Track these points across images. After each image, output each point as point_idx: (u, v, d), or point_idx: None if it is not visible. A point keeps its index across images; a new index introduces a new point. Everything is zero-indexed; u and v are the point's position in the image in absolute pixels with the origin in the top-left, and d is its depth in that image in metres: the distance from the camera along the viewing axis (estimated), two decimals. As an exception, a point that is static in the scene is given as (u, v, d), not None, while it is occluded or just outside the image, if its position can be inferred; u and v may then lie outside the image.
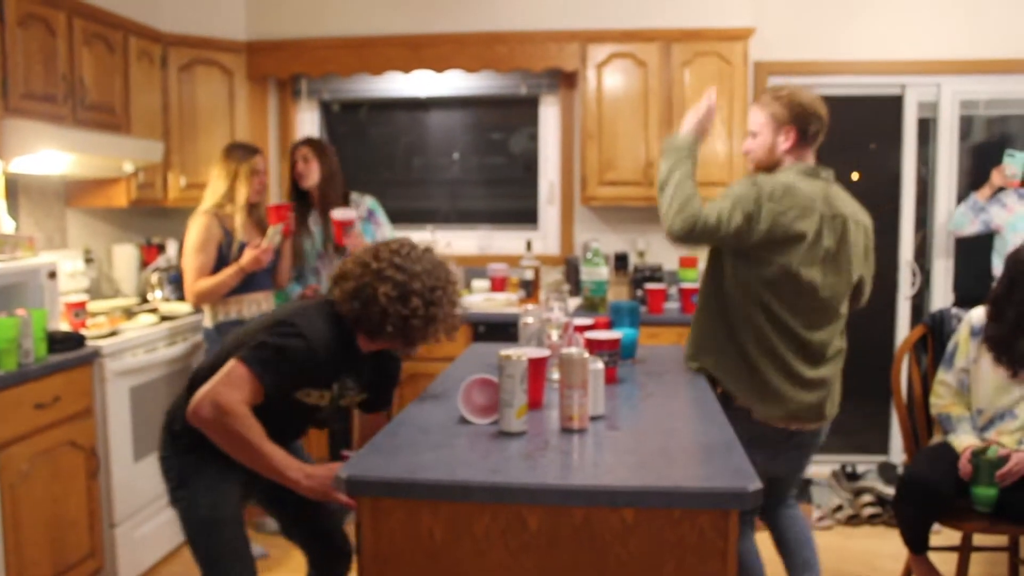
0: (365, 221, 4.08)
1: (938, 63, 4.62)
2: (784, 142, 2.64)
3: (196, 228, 3.69)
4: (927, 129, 4.78)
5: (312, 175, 4.00)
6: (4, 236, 3.42)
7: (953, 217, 4.42)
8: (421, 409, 2.29)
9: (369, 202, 4.15)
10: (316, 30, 4.67)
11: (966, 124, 4.86)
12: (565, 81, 4.83)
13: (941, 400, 3.15)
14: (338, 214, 3.80)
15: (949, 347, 3.19)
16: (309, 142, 4.07)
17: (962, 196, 4.68)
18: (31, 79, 3.43)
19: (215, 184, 3.77)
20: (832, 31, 4.63)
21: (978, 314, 3.13)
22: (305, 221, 4.08)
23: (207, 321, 3.76)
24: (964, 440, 2.99)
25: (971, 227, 4.31)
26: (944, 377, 3.16)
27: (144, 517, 3.64)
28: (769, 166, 2.67)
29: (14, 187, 3.79)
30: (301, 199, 4.08)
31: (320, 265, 4.08)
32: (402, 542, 1.72)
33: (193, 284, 3.67)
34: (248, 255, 3.64)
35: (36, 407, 3.01)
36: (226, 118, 4.62)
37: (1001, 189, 4.26)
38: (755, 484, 1.65)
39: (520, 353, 2.03)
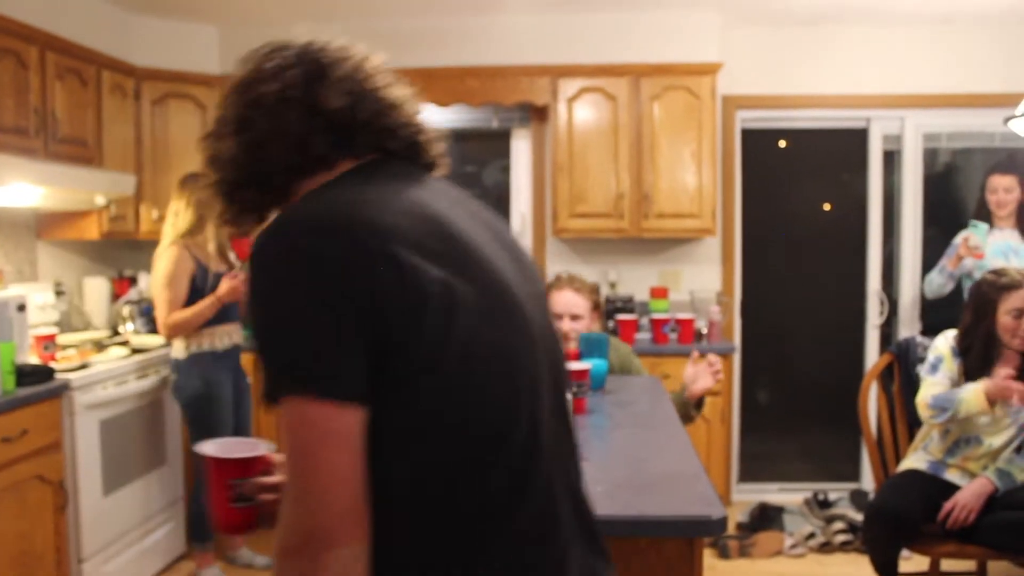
0: None
1: (902, 97, 4.73)
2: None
3: (165, 260, 3.68)
4: (892, 160, 4.88)
5: None
6: (-27, 269, 3.41)
7: (929, 286, 4.41)
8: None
9: None
10: (289, 64, 4.69)
11: (930, 155, 4.96)
12: (536, 114, 4.89)
13: (929, 393, 3.09)
14: None
15: (930, 358, 3.17)
16: None
17: (928, 224, 4.78)
18: (2, 112, 3.44)
19: (180, 216, 3.75)
20: (799, 66, 4.73)
21: (951, 336, 3.17)
22: None
23: (178, 353, 3.73)
24: (971, 392, 2.96)
25: (948, 288, 4.33)
26: (932, 379, 3.12)
27: (113, 552, 3.60)
28: None
29: (-16, 220, 3.78)
30: None
31: None
32: None
33: (167, 317, 3.65)
34: (226, 285, 3.63)
35: (3, 441, 2.99)
36: (199, 151, 4.61)
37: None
38: (719, 512, 1.67)
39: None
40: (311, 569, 0.98)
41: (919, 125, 4.82)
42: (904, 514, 2.94)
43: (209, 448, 1.34)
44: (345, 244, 1.02)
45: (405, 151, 1.24)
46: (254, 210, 1.25)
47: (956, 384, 3.09)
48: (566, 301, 3.20)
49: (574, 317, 3.19)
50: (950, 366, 3.13)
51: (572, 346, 3.12)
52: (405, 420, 1.03)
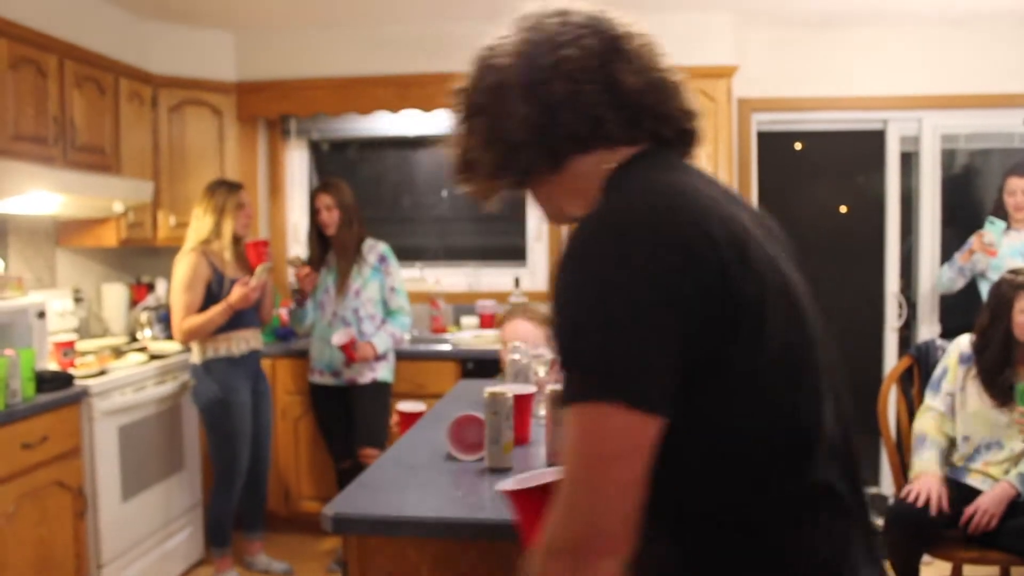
0: (375, 269, 4.10)
1: (919, 98, 4.69)
2: None
3: (183, 266, 3.72)
4: (910, 162, 4.85)
5: (334, 224, 4.05)
6: (-7, 277, 3.43)
7: (939, 280, 4.46)
8: (409, 446, 2.30)
9: (383, 248, 4.17)
10: (305, 71, 4.73)
11: (948, 157, 4.93)
12: (552, 119, 4.88)
13: (924, 422, 3.17)
14: (336, 339, 3.90)
15: (937, 372, 3.21)
16: (328, 188, 4.09)
17: (946, 226, 4.75)
18: (22, 121, 3.47)
19: (200, 222, 3.80)
20: (815, 68, 4.71)
21: (965, 341, 3.16)
22: (324, 259, 4.13)
23: (195, 358, 3.78)
24: (921, 465, 3.05)
25: (959, 284, 4.35)
26: (931, 403, 3.19)
27: (132, 558, 3.61)
28: None
29: (4, 227, 3.81)
30: (323, 240, 4.14)
31: (325, 300, 4.09)
32: (389, 580, 1.73)
33: (181, 322, 3.69)
34: (237, 292, 3.66)
35: (23, 447, 3.01)
36: (216, 158, 4.65)
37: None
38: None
39: (506, 390, 2.04)
40: (577, 573, 0.96)
41: (936, 126, 4.78)
42: (925, 519, 2.92)
43: (509, 484, 1.34)
44: (679, 250, 0.98)
45: (676, 138, 1.22)
46: (524, 172, 1.21)
47: (953, 396, 3.13)
48: (517, 332, 3.17)
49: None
50: (952, 378, 3.14)
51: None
52: (702, 429, 1.02)
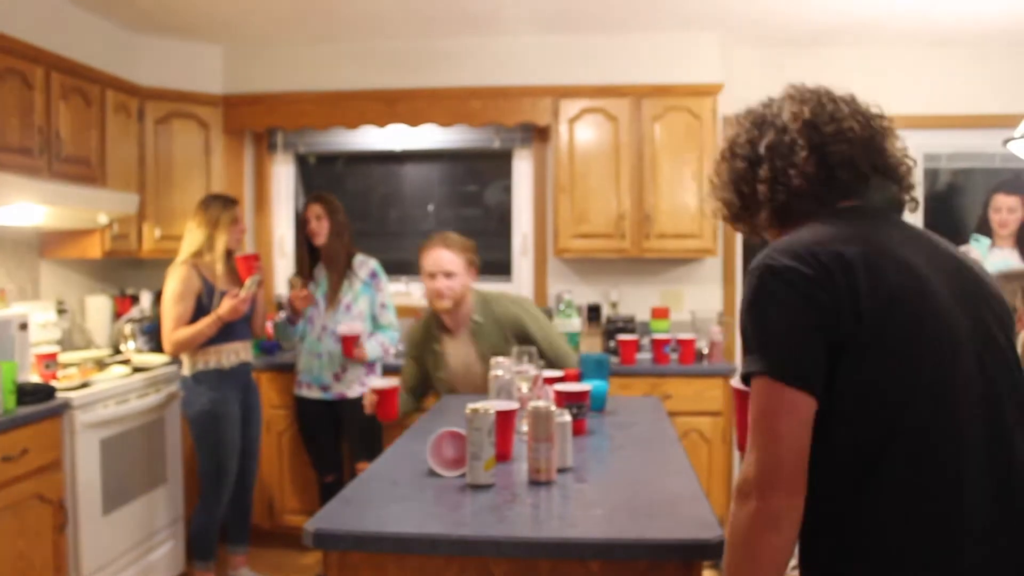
0: (366, 284, 4.12)
1: (902, 118, 4.61)
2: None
3: (175, 279, 3.72)
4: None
5: (323, 234, 4.07)
6: (-24, 288, 3.41)
7: None
8: (391, 461, 2.30)
9: (374, 264, 4.18)
10: (292, 84, 4.74)
11: (930, 176, 4.97)
12: (538, 135, 4.91)
13: None
14: (344, 328, 3.94)
15: None
16: (321, 200, 4.13)
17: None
18: (7, 132, 3.46)
19: (193, 235, 3.81)
20: (798, 87, 4.74)
21: None
22: (312, 273, 4.16)
23: (185, 370, 3.78)
24: None
25: None
26: None
27: (112, 572, 3.58)
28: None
29: (-13, 239, 3.79)
30: (312, 252, 4.16)
31: (314, 314, 4.10)
32: (369, 596, 1.72)
33: (171, 334, 3.69)
34: (226, 305, 3.66)
35: (3, 459, 2.99)
36: (202, 171, 4.65)
37: None
38: (718, 535, 1.67)
39: (488, 406, 2.05)
40: (756, 506, 1.26)
41: (919, 145, 4.82)
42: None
43: (738, 382, 1.57)
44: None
45: (884, 201, 1.47)
46: (799, 217, 1.45)
47: None
48: (437, 259, 3.26)
49: (447, 274, 3.23)
50: None
51: (446, 304, 3.24)
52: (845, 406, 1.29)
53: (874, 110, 1.51)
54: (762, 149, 1.46)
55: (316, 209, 4.10)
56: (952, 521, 1.26)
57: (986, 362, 1.32)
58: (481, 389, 3.21)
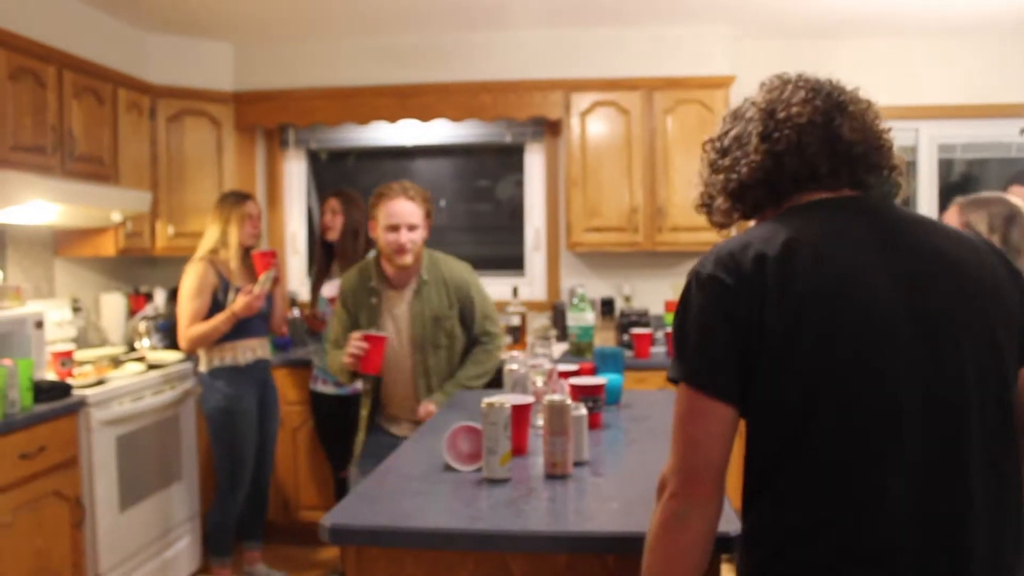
0: None
1: (916, 108, 4.71)
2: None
3: (191, 275, 3.74)
4: (907, 171, 4.86)
5: (336, 229, 4.07)
6: (-9, 287, 3.43)
7: None
8: (406, 456, 2.30)
9: None
10: (303, 81, 4.74)
11: (945, 166, 4.94)
12: (549, 129, 4.90)
13: None
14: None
15: None
16: (339, 195, 4.15)
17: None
18: (20, 131, 3.47)
19: (209, 231, 3.84)
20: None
21: None
22: (328, 269, 4.17)
23: (202, 366, 3.79)
24: None
25: None
26: None
27: (129, 568, 3.61)
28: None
29: (2, 237, 3.81)
30: (328, 248, 4.16)
31: (327, 312, 4.10)
32: (386, 591, 1.73)
33: (187, 330, 3.70)
34: (240, 301, 3.67)
35: (21, 457, 3.00)
36: (214, 168, 4.66)
37: None
38: (737, 528, 1.66)
39: (503, 400, 2.04)
40: (665, 505, 1.30)
41: (933, 136, 4.80)
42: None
43: None
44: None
45: (877, 187, 1.45)
46: (754, 207, 1.46)
47: None
48: (400, 210, 3.06)
49: (411, 227, 3.07)
50: None
51: (408, 260, 3.07)
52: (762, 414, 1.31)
53: (846, 93, 1.45)
54: (728, 140, 1.47)
55: (333, 204, 4.12)
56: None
57: (945, 370, 1.25)
58: (409, 352, 3.17)
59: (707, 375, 1.28)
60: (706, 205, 1.54)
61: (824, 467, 1.24)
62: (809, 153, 1.38)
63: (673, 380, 1.33)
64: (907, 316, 1.26)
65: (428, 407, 3.12)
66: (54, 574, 3.18)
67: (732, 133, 1.47)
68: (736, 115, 1.50)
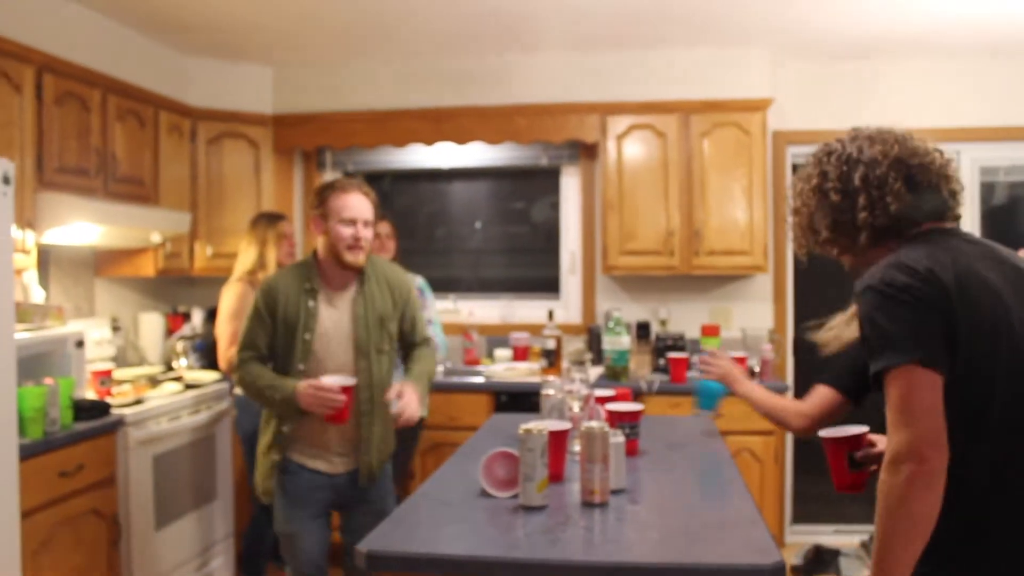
0: None
1: (957, 131, 4.64)
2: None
3: (230, 296, 3.77)
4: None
5: (391, 252, 4.07)
6: (34, 306, 3.48)
7: None
8: (442, 481, 2.29)
9: (420, 282, 4.17)
10: (341, 104, 4.78)
11: (987, 189, 4.87)
12: (586, 152, 4.90)
13: None
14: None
15: None
16: (386, 218, 4.08)
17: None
18: (65, 153, 3.53)
19: (245, 254, 3.88)
20: (849, 100, 4.68)
21: None
22: None
23: (238, 388, 3.78)
24: None
25: None
26: None
27: (164, 588, 3.62)
28: None
29: (45, 257, 3.86)
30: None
31: None
32: (422, 618, 1.71)
33: (227, 350, 3.72)
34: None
35: (60, 475, 3.03)
36: (252, 189, 4.71)
37: None
38: (775, 559, 1.63)
39: (541, 427, 2.03)
40: (912, 470, 1.44)
41: (975, 159, 4.73)
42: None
43: (825, 432, 1.93)
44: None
45: (955, 219, 1.73)
46: (882, 237, 1.70)
47: None
48: (360, 205, 2.86)
49: (366, 224, 2.86)
50: None
51: (363, 259, 2.85)
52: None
53: (933, 145, 1.75)
54: (856, 182, 1.69)
55: (385, 227, 4.06)
56: None
57: None
58: (352, 359, 2.85)
59: (929, 352, 1.48)
60: (824, 240, 1.78)
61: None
62: (945, 192, 1.70)
63: (884, 371, 1.50)
64: (1020, 315, 1.55)
65: (406, 392, 2.78)
66: (90, 593, 3.20)
67: (858, 176, 1.69)
68: (847, 161, 1.72)
